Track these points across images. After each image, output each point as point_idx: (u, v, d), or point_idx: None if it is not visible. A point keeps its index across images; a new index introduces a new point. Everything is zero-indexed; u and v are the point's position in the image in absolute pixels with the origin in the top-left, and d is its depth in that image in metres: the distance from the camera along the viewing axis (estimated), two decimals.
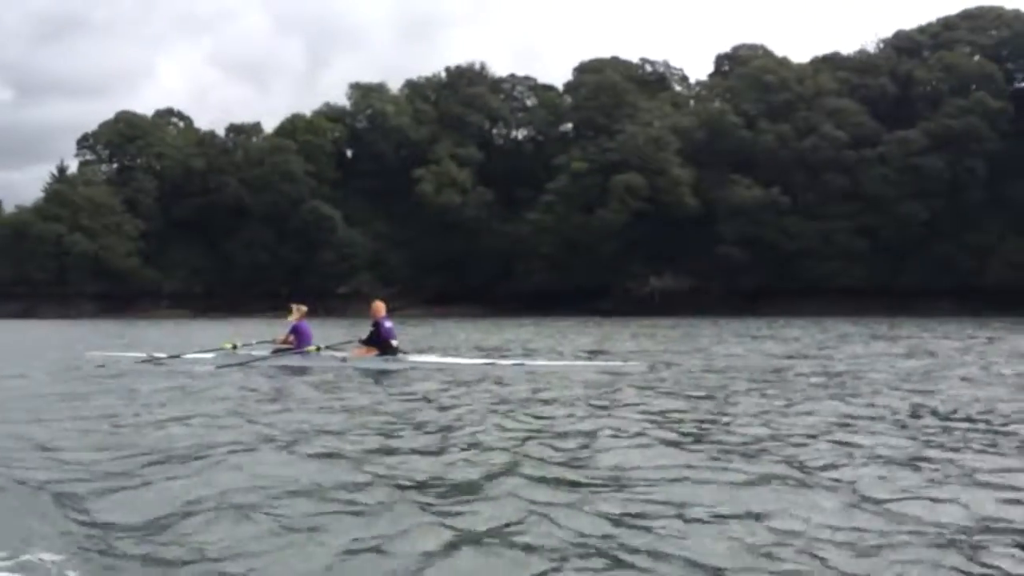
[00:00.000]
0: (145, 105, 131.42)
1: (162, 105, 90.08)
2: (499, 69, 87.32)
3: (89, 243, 70.40)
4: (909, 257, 61.47)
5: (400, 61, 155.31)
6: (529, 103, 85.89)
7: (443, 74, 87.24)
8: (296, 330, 14.14)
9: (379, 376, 12.37)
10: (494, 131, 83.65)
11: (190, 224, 75.61)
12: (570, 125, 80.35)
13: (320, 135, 78.58)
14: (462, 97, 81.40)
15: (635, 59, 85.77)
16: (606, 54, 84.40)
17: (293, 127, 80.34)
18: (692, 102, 79.19)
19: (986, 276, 58.86)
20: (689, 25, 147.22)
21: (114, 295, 69.90)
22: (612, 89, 76.91)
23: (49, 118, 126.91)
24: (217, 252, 74.76)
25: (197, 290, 73.24)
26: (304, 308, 14.54)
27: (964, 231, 60.75)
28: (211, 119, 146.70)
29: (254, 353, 14.40)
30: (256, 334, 26.19)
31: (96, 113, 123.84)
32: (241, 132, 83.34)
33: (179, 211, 76.06)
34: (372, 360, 13.38)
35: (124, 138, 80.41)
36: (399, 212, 74.60)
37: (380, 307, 13.92)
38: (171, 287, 72.91)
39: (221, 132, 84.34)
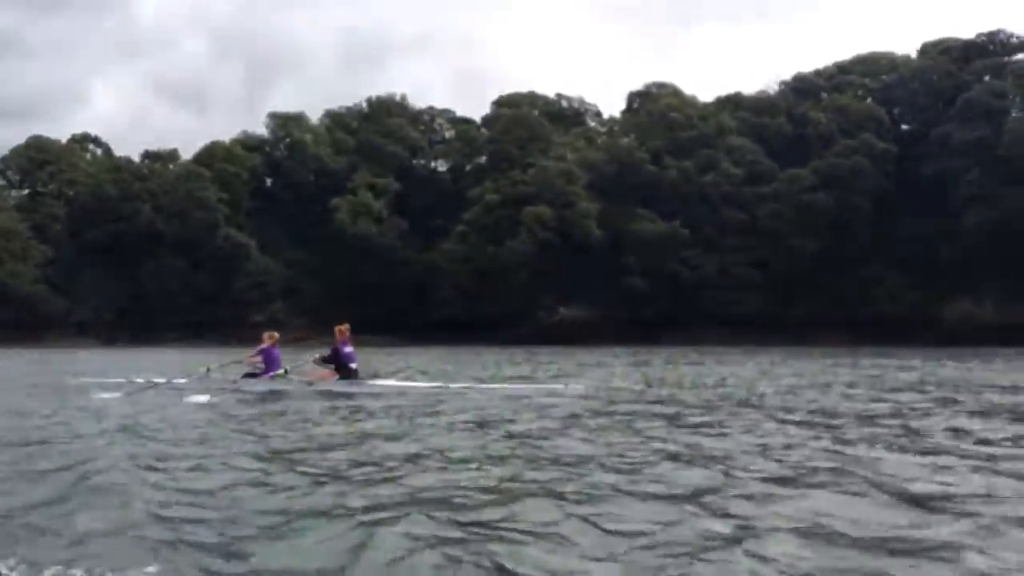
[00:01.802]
0: (79, 129, 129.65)
1: (97, 129, 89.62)
2: (442, 96, 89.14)
3: None
4: (799, 289, 64.37)
5: (342, 87, 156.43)
6: (448, 135, 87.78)
7: (364, 105, 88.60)
8: (266, 354, 14.97)
9: (342, 398, 12.84)
10: (413, 162, 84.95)
11: (101, 251, 74.95)
12: (485, 158, 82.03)
13: (237, 163, 78.90)
14: (381, 128, 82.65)
15: (552, 94, 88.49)
16: (533, 87, 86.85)
17: (211, 155, 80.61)
18: (603, 138, 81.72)
19: (871, 308, 61.95)
20: (607, 62, 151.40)
21: (20, 323, 68.66)
22: (526, 123, 79.11)
23: None
24: (129, 280, 74.22)
25: (107, 318, 72.42)
26: (276, 335, 15.44)
27: (851, 266, 63.99)
28: (148, 143, 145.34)
29: (223, 375, 15.33)
30: (177, 363, 27.26)
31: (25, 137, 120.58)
32: (158, 159, 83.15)
33: (90, 238, 75.36)
34: (335, 383, 14.17)
35: (35, 163, 79.63)
36: (315, 241, 75.28)
37: (342, 331, 14.75)
38: (80, 315, 71.99)
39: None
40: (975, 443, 7.60)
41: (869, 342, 55.44)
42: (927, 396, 13.10)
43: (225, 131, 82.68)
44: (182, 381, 15.11)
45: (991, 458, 6.67)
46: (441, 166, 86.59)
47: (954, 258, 60.08)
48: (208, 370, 15.52)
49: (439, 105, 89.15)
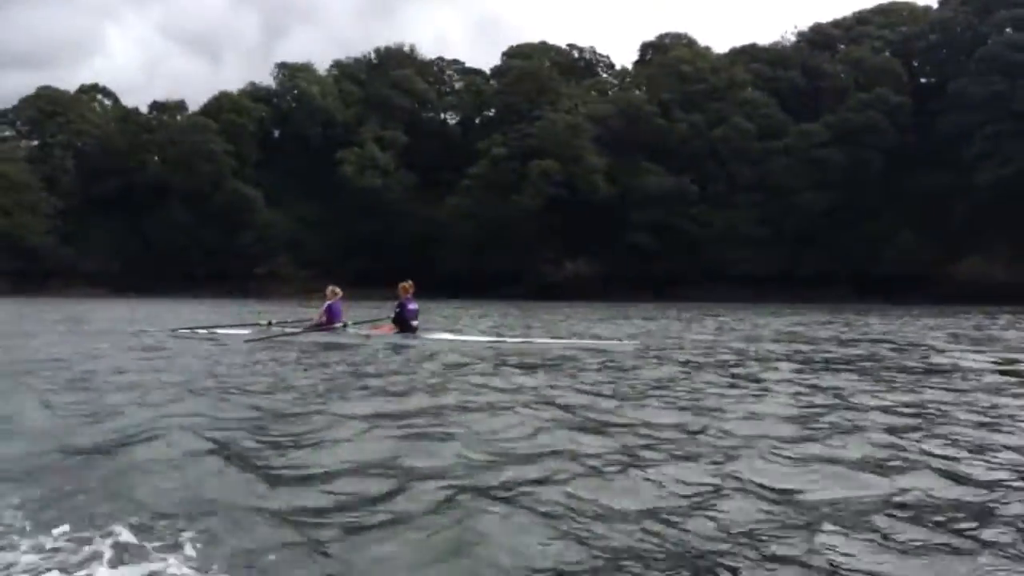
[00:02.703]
0: (91, 77, 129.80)
1: (109, 77, 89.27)
2: (460, 46, 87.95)
3: (3, 220, 69.74)
4: (809, 245, 63.45)
5: (358, 36, 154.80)
6: (457, 86, 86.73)
7: (372, 55, 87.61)
8: (329, 309, 15.09)
9: (398, 349, 12.86)
10: (422, 114, 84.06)
11: (109, 203, 75.11)
12: (494, 110, 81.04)
13: (244, 115, 78.45)
14: (389, 79, 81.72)
15: (564, 45, 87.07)
16: (548, 36, 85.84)
17: (219, 106, 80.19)
18: (614, 90, 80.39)
19: (881, 265, 61.03)
20: (622, 11, 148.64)
21: (29, 273, 69.17)
22: (536, 75, 77.92)
23: None
24: (136, 231, 74.50)
25: (114, 269, 72.72)
26: (339, 291, 15.42)
27: (861, 221, 62.88)
28: (162, 91, 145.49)
29: (287, 329, 15.52)
30: (189, 314, 27.68)
31: (49, 83, 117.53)
32: (165, 110, 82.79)
33: (98, 189, 75.45)
34: (392, 337, 14.20)
35: (44, 114, 79.46)
36: (322, 193, 74.96)
37: (406, 288, 14.75)
38: (88, 266, 72.28)
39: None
40: (728, 387, 8.27)
41: (879, 299, 54.87)
42: (795, 349, 13.96)
43: (240, 80, 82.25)
44: (247, 332, 15.49)
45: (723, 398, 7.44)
46: (451, 118, 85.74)
47: (965, 215, 58.82)
48: (270, 323, 16.10)
49: (456, 55, 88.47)
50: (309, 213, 75.06)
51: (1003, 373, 10.13)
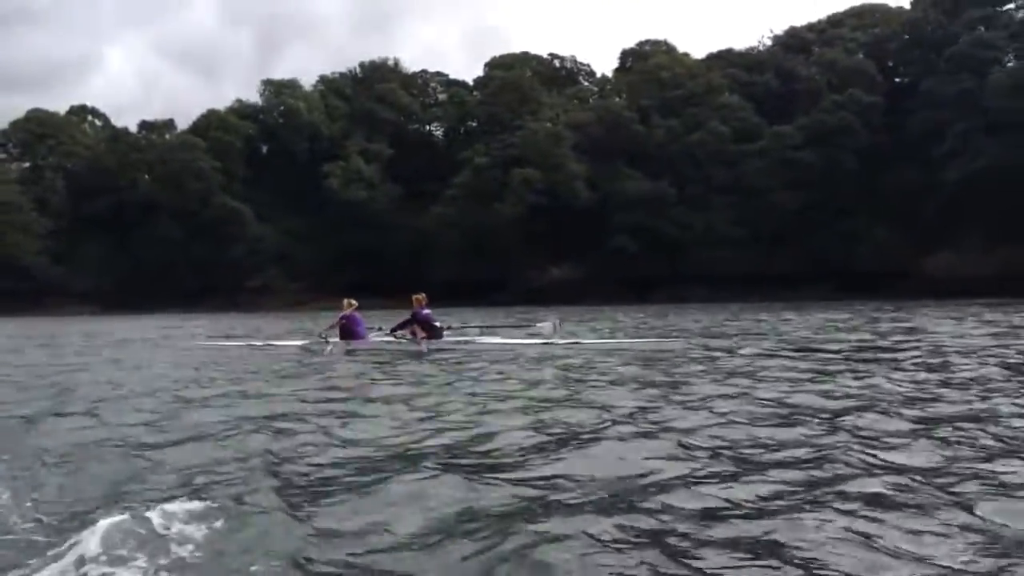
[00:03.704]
0: (89, 97, 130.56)
1: (107, 97, 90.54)
2: (454, 58, 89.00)
3: None
4: (785, 245, 64.52)
5: (353, 49, 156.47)
6: (441, 98, 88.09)
7: (357, 69, 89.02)
8: (350, 319, 15.81)
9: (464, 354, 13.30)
10: (408, 126, 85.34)
11: (101, 221, 76.30)
12: (478, 120, 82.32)
13: (232, 132, 79.74)
14: (374, 93, 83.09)
15: (545, 54, 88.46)
16: (538, 45, 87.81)
17: (207, 124, 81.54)
18: (594, 98, 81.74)
19: (856, 262, 62.13)
20: (605, 19, 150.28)
21: (22, 293, 70.17)
22: (517, 85, 79.29)
23: None
24: (127, 249, 75.63)
25: (107, 287, 73.82)
26: (355, 302, 16.14)
27: (836, 220, 64.05)
28: (160, 110, 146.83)
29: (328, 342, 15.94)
30: (175, 327, 28.73)
31: (45, 105, 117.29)
32: (154, 129, 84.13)
33: (90, 209, 76.63)
34: (436, 342, 14.86)
35: (35, 136, 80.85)
36: (310, 207, 76.17)
37: (419, 300, 15.46)
38: (80, 284, 73.39)
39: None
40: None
41: (854, 296, 55.96)
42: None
43: (237, 96, 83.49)
44: (304, 343, 16.44)
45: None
46: (435, 129, 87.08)
47: (937, 211, 59.99)
48: (326, 339, 16.19)
49: (450, 66, 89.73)
50: (298, 226, 76.25)
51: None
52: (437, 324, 15.40)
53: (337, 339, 15.84)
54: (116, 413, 7.46)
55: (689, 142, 68.91)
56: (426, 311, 15.38)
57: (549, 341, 14.72)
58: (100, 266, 74.86)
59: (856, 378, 8.54)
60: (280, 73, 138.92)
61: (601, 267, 68.56)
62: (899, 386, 7.81)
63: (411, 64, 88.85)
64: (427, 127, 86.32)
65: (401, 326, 15.47)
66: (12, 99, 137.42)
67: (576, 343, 14.43)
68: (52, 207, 76.29)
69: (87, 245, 75.37)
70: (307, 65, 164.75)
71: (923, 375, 8.82)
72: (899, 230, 62.00)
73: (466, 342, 15.10)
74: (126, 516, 3.81)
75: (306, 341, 16.75)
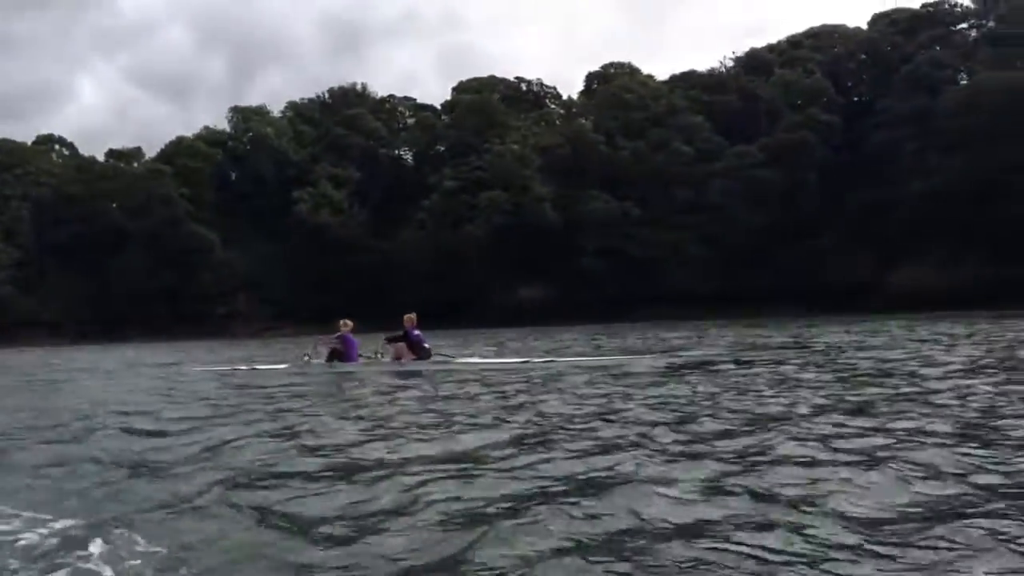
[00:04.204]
0: (66, 126, 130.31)
1: (80, 124, 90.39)
2: (427, 83, 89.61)
3: None
4: (751, 263, 65.42)
5: (326, 74, 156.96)
6: (410, 122, 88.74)
7: (326, 95, 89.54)
8: (345, 340, 16.18)
9: (435, 375, 13.67)
10: (378, 151, 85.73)
11: (69, 251, 75.83)
12: (445, 144, 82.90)
13: (200, 159, 79.88)
14: (342, 118, 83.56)
15: (512, 78, 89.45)
16: (512, 66, 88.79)
17: (175, 151, 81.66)
18: (559, 120, 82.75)
19: (820, 278, 63.04)
20: (569, 44, 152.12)
21: None
22: (484, 109, 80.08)
23: None
24: (96, 278, 75.19)
25: (76, 317, 73.33)
26: (350, 323, 16.48)
27: (800, 237, 65.10)
28: (132, 137, 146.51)
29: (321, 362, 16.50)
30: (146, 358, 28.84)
31: (16, 135, 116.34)
32: (121, 157, 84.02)
33: (56, 238, 76.16)
34: (420, 363, 15.20)
35: (1, 166, 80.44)
36: (279, 233, 76.25)
37: (411, 319, 15.75)
38: (49, 315, 72.92)
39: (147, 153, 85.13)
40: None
41: (821, 311, 56.78)
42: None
43: (210, 121, 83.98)
44: (284, 367, 16.80)
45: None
46: (404, 153, 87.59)
47: (898, 227, 61.15)
48: (308, 359, 16.88)
49: (423, 89, 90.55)
50: (267, 252, 76.17)
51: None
52: (426, 345, 15.81)
53: (321, 360, 16.48)
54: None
55: (653, 163, 69.90)
56: (416, 332, 15.78)
57: (526, 360, 15.47)
58: (68, 296, 74.34)
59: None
60: (255, 98, 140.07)
61: (570, 287, 69.11)
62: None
63: (385, 88, 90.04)
64: (396, 151, 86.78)
65: (394, 339, 15.86)
66: None
67: (552, 361, 15.18)
68: (18, 237, 75.88)
69: (55, 275, 75.01)
70: (281, 90, 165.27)
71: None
72: (862, 245, 63.11)
73: (444, 362, 15.65)
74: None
75: (288, 364, 17.16)
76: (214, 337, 65.49)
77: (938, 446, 5.55)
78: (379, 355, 16.21)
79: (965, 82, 65.57)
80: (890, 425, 6.52)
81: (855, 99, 73.49)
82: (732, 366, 13.59)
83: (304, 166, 79.99)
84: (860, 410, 7.50)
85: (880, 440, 5.87)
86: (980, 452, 5.33)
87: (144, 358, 30.84)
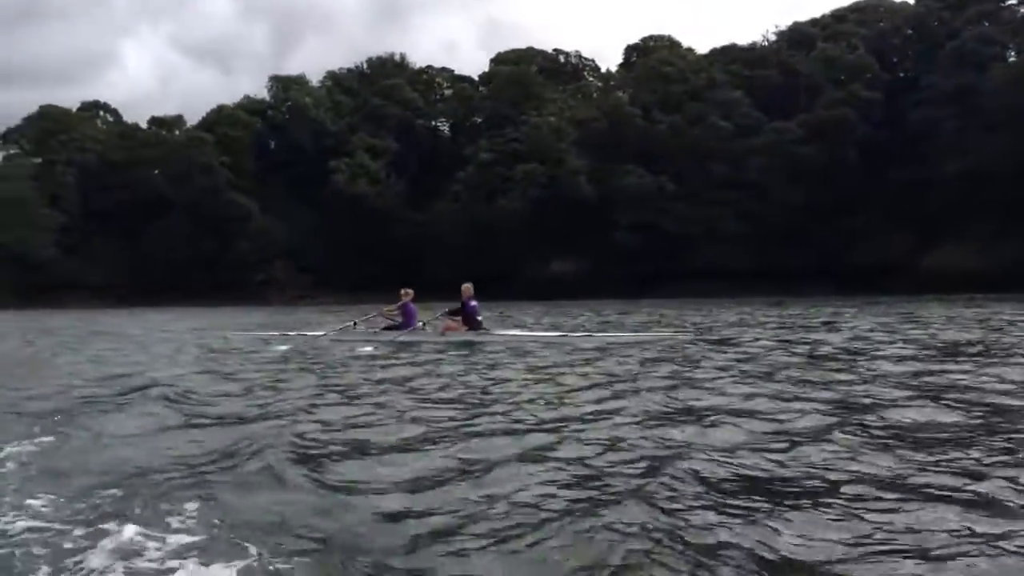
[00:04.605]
0: (111, 92, 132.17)
1: (123, 92, 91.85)
2: (467, 53, 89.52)
3: (9, 236, 72.11)
4: (787, 240, 64.93)
5: (370, 43, 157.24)
6: (447, 93, 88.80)
7: (364, 65, 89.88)
8: (404, 309, 16.94)
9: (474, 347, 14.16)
10: (414, 121, 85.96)
11: (111, 216, 77.53)
12: (483, 116, 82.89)
13: (240, 127, 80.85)
14: (380, 89, 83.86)
15: (550, 49, 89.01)
16: (548, 38, 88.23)
17: (216, 120, 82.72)
18: (597, 93, 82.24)
19: (857, 257, 62.48)
20: (610, 14, 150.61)
21: (36, 287, 71.44)
22: (522, 81, 79.89)
23: (13, 106, 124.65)
24: (137, 244, 76.84)
25: (116, 281, 75.07)
26: (411, 292, 17.20)
27: (837, 215, 64.43)
28: (177, 105, 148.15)
29: (368, 328, 17.52)
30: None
31: (64, 100, 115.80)
32: (164, 125, 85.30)
33: (100, 204, 77.84)
34: (465, 334, 15.75)
35: (47, 132, 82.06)
36: (316, 202, 77.13)
37: (467, 290, 16.17)
38: (92, 278, 74.68)
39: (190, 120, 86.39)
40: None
41: (855, 291, 56.34)
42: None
43: (252, 90, 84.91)
44: (332, 334, 17.40)
45: None
46: (441, 124, 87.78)
47: (936, 206, 60.25)
48: (355, 324, 17.92)
49: (463, 60, 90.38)
50: (304, 221, 77.18)
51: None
52: (479, 318, 16.22)
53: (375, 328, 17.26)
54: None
55: (690, 137, 69.36)
56: (473, 303, 16.15)
57: (565, 334, 15.85)
58: (112, 260, 76.13)
59: None
60: (297, 67, 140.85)
61: (604, 261, 69.20)
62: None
63: (425, 59, 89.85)
64: (433, 122, 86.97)
65: (454, 312, 16.26)
66: (30, 94, 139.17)
67: (589, 335, 15.55)
68: (64, 202, 77.53)
69: (98, 239, 76.72)
70: (323, 59, 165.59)
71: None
72: (899, 225, 62.31)
73: (485, 333, 16.05)
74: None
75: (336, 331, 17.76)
76: (251, 304, 66.63)
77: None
78: (424, 325, 16.62)
79: (1013, 59, 64.14)
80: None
81: (900, 75, 72.07)
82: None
83: (341, 136, 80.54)
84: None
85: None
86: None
87: (210, 322, 31.76)
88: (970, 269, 56.27)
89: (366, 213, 74.26)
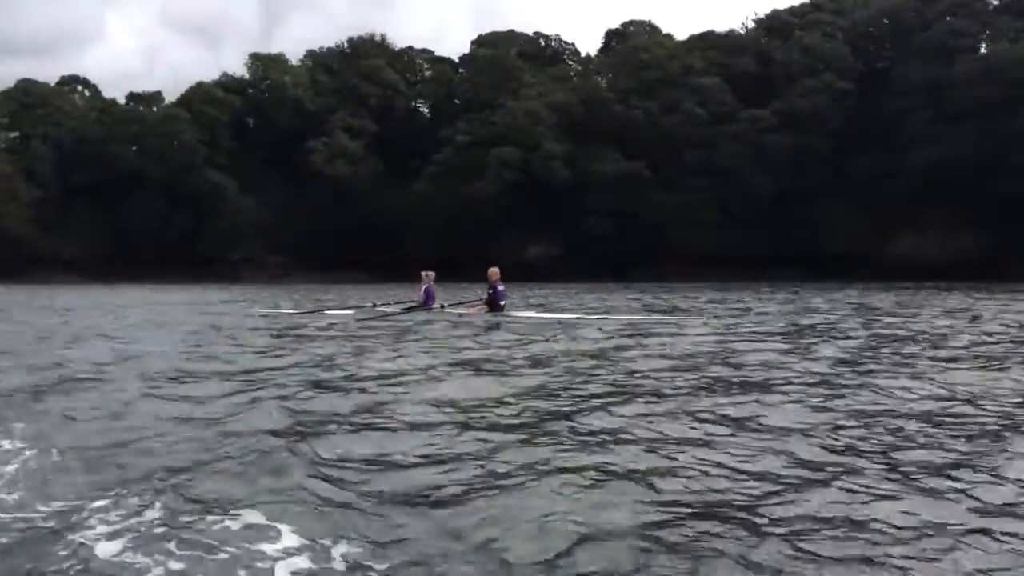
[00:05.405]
0: (96, 66, 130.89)
1: (112, 66, 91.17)
2: (457, 33, 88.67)
3: None
4: (758, 227, 65.78)
5: (357, 22, 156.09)
6: (427, 75, 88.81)
7: (345, 44, 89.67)
8: (426, 291, 17.67)
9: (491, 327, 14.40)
10: (392, 102, 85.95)
11: (87, 192, 77.25)
12: (461, 98, 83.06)
13: (218, 105, 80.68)
14: (360, 68, 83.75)
15: (531, 32, 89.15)
16: (531, 21, 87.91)
17: (193, 96, 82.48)
18: (575, 78, 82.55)
19: (826, 246, 63.37)
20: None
21: (10, 261, 71.15)
22: (501, 64, 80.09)
23: None
24: (112, 220, 76.68)
25: (92, 257, 74.94)
26: (432, 274, 17.89)
27: (806, 203, 65.27)
28: (161, 81, 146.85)
29: (387, 309, 17.99)
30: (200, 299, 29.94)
31: (47, 75, 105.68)
32: (141, 101, 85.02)
33: (76, 179, 77.49)
34: (481, 316, 16.14)
35: (23, 107, 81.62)
36: (293, 181, 77.24)
37: (495, 273, 16.72)
38: (67, 254, 74.55)
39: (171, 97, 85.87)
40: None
41: (822, 278, 57.26)
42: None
43: (240, 68, 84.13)
44: (351, 312, 17.98)
45: None
46: (420, 106, 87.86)
47: (901, 196, 61.17)
48: (374, 305, 18.68)
49: (452, 41, 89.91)
50: (281, 200, 77.27)
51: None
52: (502, 303, 16.80)
53: (387, 308, 17.90)
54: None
55: (667, 124, 69.94)
56: (501, 287, 16.74)
57: (577, 316, 16.52)
58: (86, 235, 75.91)
59: None
60: (284, 45, 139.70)
61: (579, 245, 69.84)
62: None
63: (412, 39, 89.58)
64: (412, 104, 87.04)
65: (489, 301, 16.72)
66: (14, 67, 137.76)
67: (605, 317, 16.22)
68: (39, 176, 77.24)
69: (74, 215, 76.48)
70: (310, 37, 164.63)
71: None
72: (867, 214, 63.21)
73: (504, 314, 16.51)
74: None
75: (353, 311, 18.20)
76: (228, 281, 66.85)
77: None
78: (443, 307, 17.27)
79: (982, 52, 64.98)
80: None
81: (877, 66, 72.68)
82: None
83: (320, 116, 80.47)
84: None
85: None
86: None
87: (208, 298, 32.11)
88: (933, 257, 57.40)
89: (343, 193, 74.48)
